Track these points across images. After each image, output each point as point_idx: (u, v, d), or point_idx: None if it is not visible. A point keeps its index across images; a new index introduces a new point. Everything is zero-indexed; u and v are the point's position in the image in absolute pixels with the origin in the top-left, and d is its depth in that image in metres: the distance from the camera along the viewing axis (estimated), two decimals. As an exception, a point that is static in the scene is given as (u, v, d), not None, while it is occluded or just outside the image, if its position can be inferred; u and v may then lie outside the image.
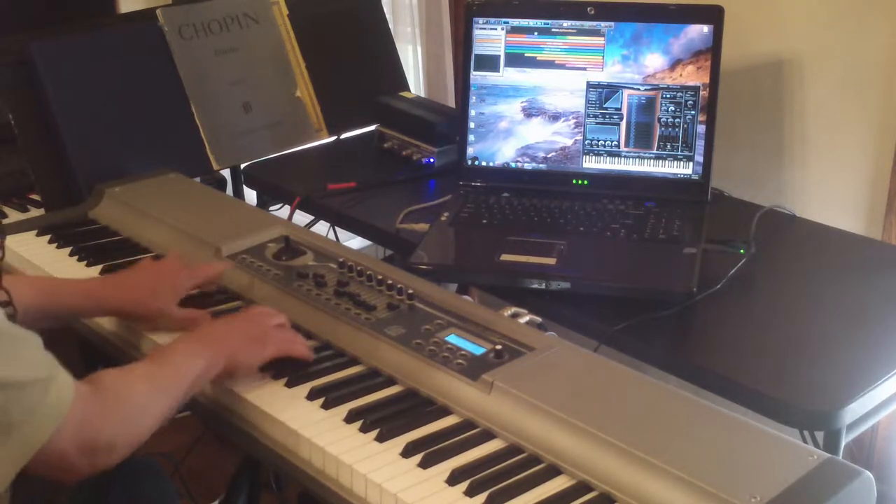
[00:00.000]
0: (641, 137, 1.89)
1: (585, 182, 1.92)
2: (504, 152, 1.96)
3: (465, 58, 1.96)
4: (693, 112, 1.86)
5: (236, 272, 1.62)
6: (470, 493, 1.14)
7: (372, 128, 2.32)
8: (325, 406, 1.30)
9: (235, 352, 1.33)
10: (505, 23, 1.93)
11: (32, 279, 1.54)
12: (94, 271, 1.69)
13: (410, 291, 1.50)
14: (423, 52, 2.95)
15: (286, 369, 1.37)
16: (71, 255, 1.76)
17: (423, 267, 1.67)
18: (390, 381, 1.36)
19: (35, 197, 2.11)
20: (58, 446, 1.08)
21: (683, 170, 1.87)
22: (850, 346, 1.49)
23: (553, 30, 1.92)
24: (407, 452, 1.21)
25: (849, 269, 1.71)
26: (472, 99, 1.96)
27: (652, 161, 1.88)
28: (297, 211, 2.05)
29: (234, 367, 1.33)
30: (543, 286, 1.63)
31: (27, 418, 1.05)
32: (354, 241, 2.49)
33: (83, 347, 2.21)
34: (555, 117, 1.93)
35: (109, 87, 2.05)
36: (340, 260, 1.61)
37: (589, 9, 1.90)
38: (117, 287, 1.50)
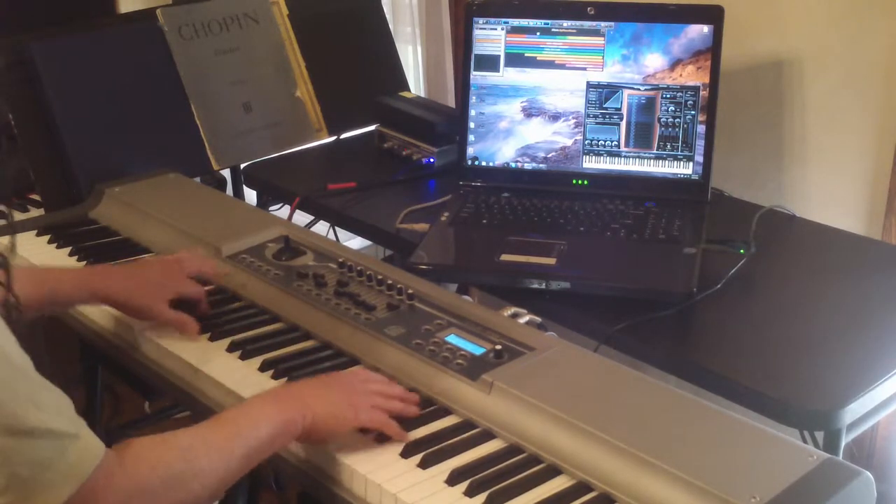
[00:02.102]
0: (641, 137, 1.89)
1: (585, 182, 1.92)
2: (504, 152, 1.96)
3: (465, 58, 1.96)
4: (693, 112, 1.85)
5: (236, 272, 1.62)
6: (470, 493, 1.14)
7: (372, 128, 2.32)
8: (325, 406, 1.30)
9: (319, 419, 1.18)
10: (505, 23, 1.93)
11: (27, 271, 1.52)
12: (94, 271, 1.69)
13: (410, 291, 1.50)
14: (423, 52, 2.95)
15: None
16: (71, 255, 1.76)
17: (423, 267, 1.67)
18: (390, 382, 1.36)
19: (35, 197, 2.11)
20: None
21: (683, 170, 1.87)
22: (850, 346, 1.49)
23: (553, 30, 1.92)
24: (407, 452, 1.21)
25: (849, 269, 1.71)
26: (472, 99, 1.96)
27: (652, 161, 1.88)
28: (297, 211, 2.05)
29: (316, 434, 1.19)
30: (543, 286, 1.63)
31: (37, 475, 0.96)
32: (354, 241, 2.49)
33: (83, 347, 2.22)
34: (555, 117, 1.93)
35: (109, 87, 2.05)
36: (340, 260, 1.61)
37: (589, 9, 1.90)
38: (109, 277, 1.48)
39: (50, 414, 0.98)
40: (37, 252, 1.77)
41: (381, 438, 1.23)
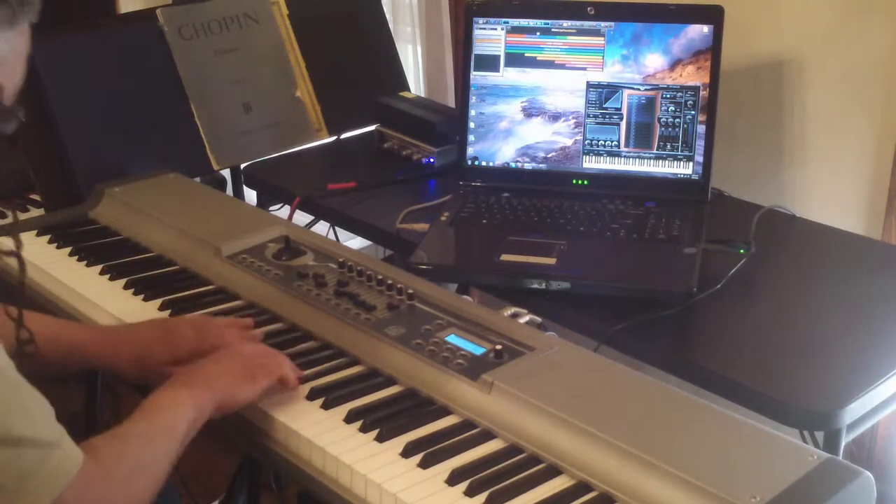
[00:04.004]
0: (641, 137, 1.89)
1: (585, 182, 1.92)
2: (504, 152, 1.96)
3: (465, 58, 1.96)
4: (693, 112, 1.86)
5: (236, 272, 1.62)
6: (470, 493, 1.14)
7: (372, 128, 2.32)
8: (325, 406, 1.30)
9: (226, 393, 1.26)
10: (505, 23, 1.93)
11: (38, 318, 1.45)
12: (94, 271, 1.69)
13: (410, 291, 1.50)
14: (423, 52, 2.95)
15: None
16: (71, 255, 1.76)
17: (423, 267, 1.67)
18: (390, 381, 1.36)
19: (35, 197, 2.11)
20: None
21: (683, 170, 1.87)
22: (850, 346, 1.49)
23: (553, 30, 1.92)
24: (407, 452, 1.21)
25: (849, 269, 1.71)
26: (472, 99, 1.96)
27: (652, 161, 1.88)
28: (297, 211, 2.05)
29: (226, 408, 1.27)
30: (543, 286, 1.63)
31: (21, 483, 0.99)
32: (354, 241, 2.49)
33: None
34: (555, 117, 1.93)
35: (109, 87, 2.05)
36: (340, 260, 1.61)
37: (589, 9, 1.90)
38: (116, 340, 1.42)
39: (35, 422, 1.01)
40: (37, 252, 1.77)
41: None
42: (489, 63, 1.95)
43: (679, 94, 1.86)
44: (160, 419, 1.20)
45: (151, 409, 1.21)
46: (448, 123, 2.15)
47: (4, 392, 0.99)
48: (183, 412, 1.21)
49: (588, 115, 1.91)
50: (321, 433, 1.25)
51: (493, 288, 1.71)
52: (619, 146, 1.90)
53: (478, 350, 1.36)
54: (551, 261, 1.67)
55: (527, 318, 1.46)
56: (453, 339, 1.39)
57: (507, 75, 1.94)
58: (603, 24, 1.89)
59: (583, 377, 1.30)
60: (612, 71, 1.89)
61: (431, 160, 2.16)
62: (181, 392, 1.24)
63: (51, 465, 1.01)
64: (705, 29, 1.84)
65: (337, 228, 2.26)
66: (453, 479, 1.16)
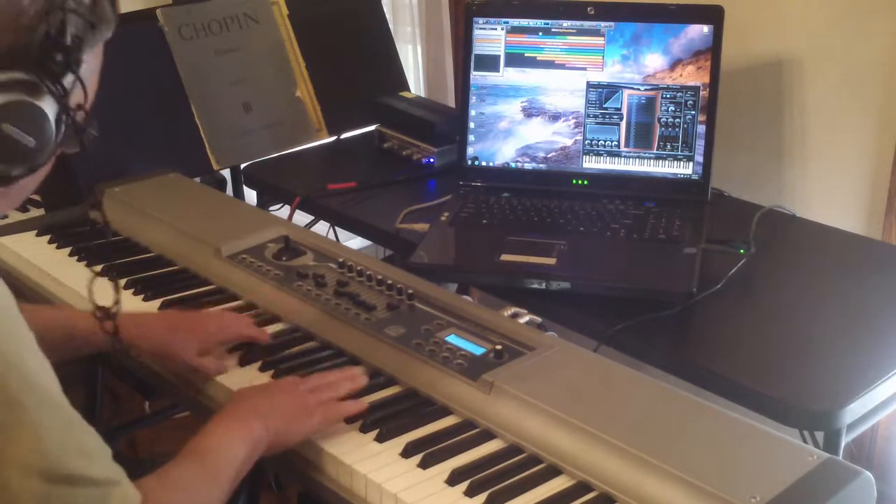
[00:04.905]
0: (641, 137, 1.89)
1: (585, 182, 1.92)
2: (504, 152, 1.96)
3: (465, 58, 1.96)
4: (693, 112, 1.85)
5: (236, 272, 1.62)
6: (470, 493, 1.14)
7: (372, 128, 2.32)
8: (325, 406, 1.30)
9: (279, 431, 1.21)
10: (505, 23, 1.93)
11: (48, 310, 1.46)
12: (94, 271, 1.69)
13: (410, 291, 1.50)
14: (423, 52, 2.95)
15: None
16: (71, 255, 1.76)
17: (423, 267, 1.67)
18: (390, 381, 1.36)
19: (35, 197, 2.11)
20: None
21: (683, 170, 1.87)
22: (850, 346, 1.49)
23: (553, 30, 1.92)
24: (407, 452, 1.21)
25: (849, 269, 1.71)
26: (472, 99, 1.96)
27: (652, 161, 1.88)
28: (297, 211, 2.05)
29: (280, 446, 1.23)
30: (543, 286, 1.63)
31: None
32: (354, 241, 2.49)
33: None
34: (555, 117, 1.93)
35: (109, 87, 2.03)
36: (340, 260, 1.61)
37: (589, 9, 1.89)
38: (136, 326, 1.40)
39: (92, 460, 0.97)
40: (37, 252, 1.77)
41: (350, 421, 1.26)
42: (489, 63, 1.95)
43: (679, 94, 1.86)
44: (211, 460, 1.15)
45: (202, 450, 1.16)
46: (448, 123, 2.15)
47: (60, 427, 0.95)
48: (234, 453, 1.16)
49: (588, 115, 1.91)
50: (321, 433, 1.25)
51: (493, 288, 1.71)
52: (619, 146, 1.90)
53: (478, 350, 1.36)
54: (551, 261, 1.67)
55: (527, 318, 1.46)
56: (453, 339, 1.39)
57: (507, 75, 1.94)
58: (603, 24, 1.89)
59: (583, 377, 1.30)
60: (612, 71, 1.89)
61: (431, 160, 2.16)
62: (233, 429, 1.19)
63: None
64: (705, 29, 1.84)
65: (337, 228, 2.26)
66: (453, 480, 1.16)
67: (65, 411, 0.97)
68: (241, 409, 1.22)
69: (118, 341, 1.30)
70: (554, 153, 1.93)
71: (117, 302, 1.25)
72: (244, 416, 1.21)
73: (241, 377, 1.38)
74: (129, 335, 1.38)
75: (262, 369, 1.39)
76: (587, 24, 1.90)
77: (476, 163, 1.97)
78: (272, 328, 1.49)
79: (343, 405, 1.27)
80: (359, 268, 1.58)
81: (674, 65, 1.86)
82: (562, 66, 1.92)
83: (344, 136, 2.38)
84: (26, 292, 1.68)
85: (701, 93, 1.85)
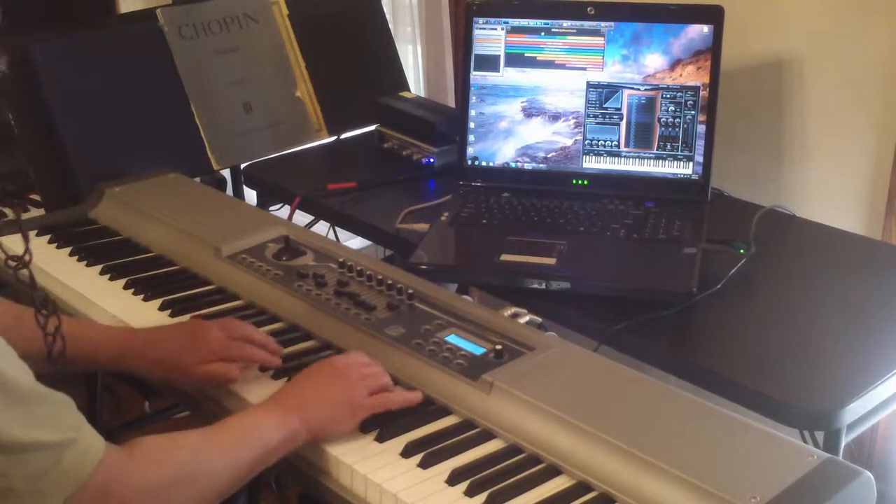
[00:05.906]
0: (641, 137, 1.89)
1: (585, 182, 1.92)
2: (504, 152, 1.96)
3: (465, 58, 1.96)
4: (693, 112, 1.85)
5: (236, 272, 1.62)
6: (470, 493, 1.14)
7: (372, 128, 2.32)
8: (325, 406, 1.30)
9: (321, 424, 1.21)
10: (505, 23, 1.93)
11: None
12: (94, 271, 1.69)
13: (410, 291, 1.50)
14: (423, 52, 2.95)
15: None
16: (71, 255, 1.76)
17: (423, 267, 1.67)
18: (390, 381, 1.36)
19: (35, 197, 2.11)
20: None
21: (683, 170, 1.87)
22: (850, 346, 1.49)
23: (553, 30, 1.92)
24: (407, 452, 1.21)
25: (849, 269, 1.71)
26: (472, 99, 1.96)
27: (652, 161, 1.88)
28: (297, 211, 2.05)
29: (317, 440, 1.22)
30: (543, 286, 1.63)
31: (31, 486, 0.97)
32: (354, 241, 2.49)
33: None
34: (555, 117, 1.93)
35: (109, 87, 2.04)
36: (340, 260, 1.61)
37: (589, 9, 1.89)
38: (144, 341, 1.38)
39: (43, 428, 0.98)
40: (37, 252, 1.76)
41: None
42: (489, 63, 1.95)
43: (679, 94, 1.86)
44: (229, 435, 1.15)
45: (226, 424, 1.17)
46: (448, 123, 2.15)
47: (12, 403, 0.96)
48: (267, 431, 1.17)
49: (588, 115, 1.91)
50: (321, 433, 1.25)
51: (493, 288, 1.71)
52: (619, 146, 1.90)
53: (478, 350, 1.36)
54: (551, 261, 1.67)
55: (527, 318, 1.46)
56: (453, 339, 1.39)
57: (507, 75, 1.94)
58: (603, 24, 1.89)
59: (583, 377, 1.30)
60: (612, 71, 1.89)
61: (431, 160, 2.16)
62: (271, 412, 1.19)
63: (63, 465, 0.99)
64: (705, 29, 1.84)
65: (337, 228, 2.26)
66: (453, 479, 1.16)
67: (15, 383, 0.97)
68: (289, 396, 1.23)
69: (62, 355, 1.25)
70: (554, 153, 1.93)
71: (27, 251, 1.22)
72: (288, 404, 1.21)
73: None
74: (133, 348, 1.37)
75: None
76: (587, 24, 1.90)
77: (476, 163, 1.97)
78: (272, 328, 1.49)
79: (388, 401, 1.27)
80: (359, 268, 1.58)
81: (674, 65, 1.86)
82: (562, 66, 1.92)
83: (344, 136, 2.38)
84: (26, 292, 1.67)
85: (701, 93, 1.85)
